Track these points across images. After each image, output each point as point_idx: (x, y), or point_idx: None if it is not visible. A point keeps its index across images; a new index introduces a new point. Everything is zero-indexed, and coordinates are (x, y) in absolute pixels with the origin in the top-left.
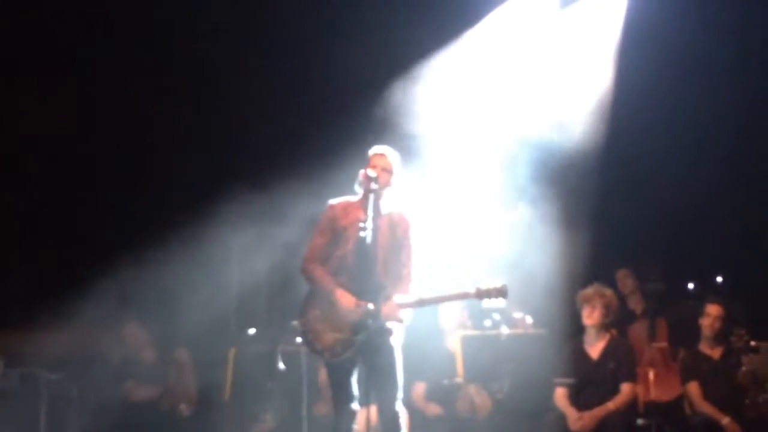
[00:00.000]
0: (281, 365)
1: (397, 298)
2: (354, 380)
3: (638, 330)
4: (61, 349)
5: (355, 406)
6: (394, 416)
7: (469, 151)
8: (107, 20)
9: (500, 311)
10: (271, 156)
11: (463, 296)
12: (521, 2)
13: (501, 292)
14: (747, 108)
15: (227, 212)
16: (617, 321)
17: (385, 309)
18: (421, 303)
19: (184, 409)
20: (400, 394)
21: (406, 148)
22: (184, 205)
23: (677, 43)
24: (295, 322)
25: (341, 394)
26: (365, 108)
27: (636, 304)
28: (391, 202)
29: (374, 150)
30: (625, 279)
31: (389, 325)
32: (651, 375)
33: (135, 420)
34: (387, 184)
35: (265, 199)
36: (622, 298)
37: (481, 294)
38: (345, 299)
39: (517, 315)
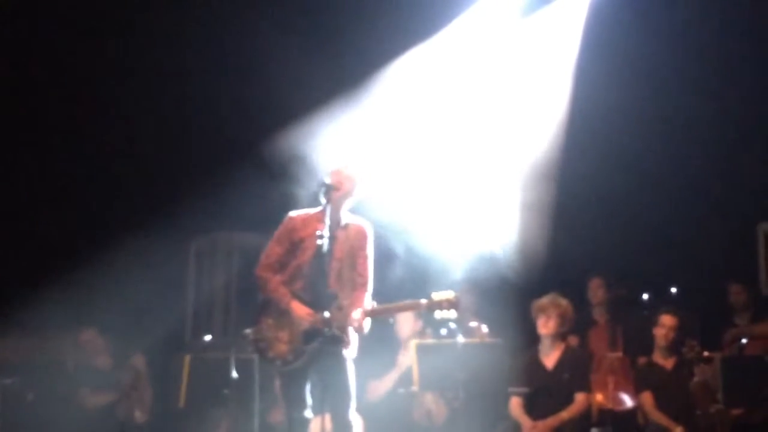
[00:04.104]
0: (234, 373)
1: (357, 306)
2: (307, 389)
3: (599, 337)
4: (16, 354)
5: (308, 414)
6: (348, 425)
7: (429, 161)
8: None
9: (456, 320)
10: (223, 161)
11: (414, 307)
12: (482, 10)
13: (452, 304)
14: (706, 122)
15: (184, 219)
16: (579, 327)
17: (349, 319)
18: (371, 314)
19: (139, 416)
20: (353, 403)
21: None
22: (140, 211)
23: (638, 54)
24: (247, 331)
25: (294, 403)
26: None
27: (600, 315)
28: (350, 214)
29: (338, 160)
30: (598, 289)
31: (342, 334)
32: (611, 383)
33: (90, 426)
34: (347, 194)
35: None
36: (587, 306)
37: (433, 305)
38: (299, 309)
39: (473, 324)
